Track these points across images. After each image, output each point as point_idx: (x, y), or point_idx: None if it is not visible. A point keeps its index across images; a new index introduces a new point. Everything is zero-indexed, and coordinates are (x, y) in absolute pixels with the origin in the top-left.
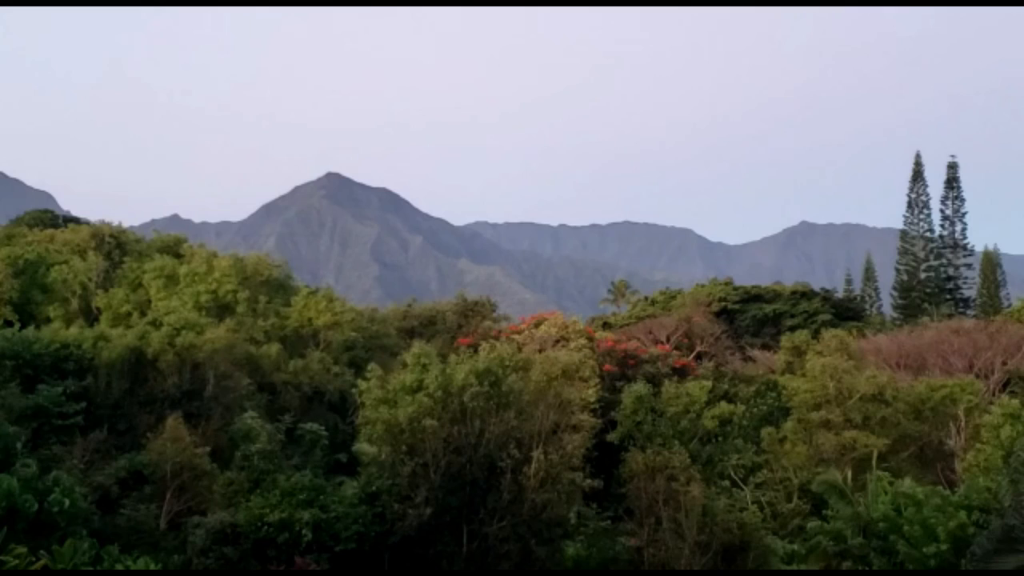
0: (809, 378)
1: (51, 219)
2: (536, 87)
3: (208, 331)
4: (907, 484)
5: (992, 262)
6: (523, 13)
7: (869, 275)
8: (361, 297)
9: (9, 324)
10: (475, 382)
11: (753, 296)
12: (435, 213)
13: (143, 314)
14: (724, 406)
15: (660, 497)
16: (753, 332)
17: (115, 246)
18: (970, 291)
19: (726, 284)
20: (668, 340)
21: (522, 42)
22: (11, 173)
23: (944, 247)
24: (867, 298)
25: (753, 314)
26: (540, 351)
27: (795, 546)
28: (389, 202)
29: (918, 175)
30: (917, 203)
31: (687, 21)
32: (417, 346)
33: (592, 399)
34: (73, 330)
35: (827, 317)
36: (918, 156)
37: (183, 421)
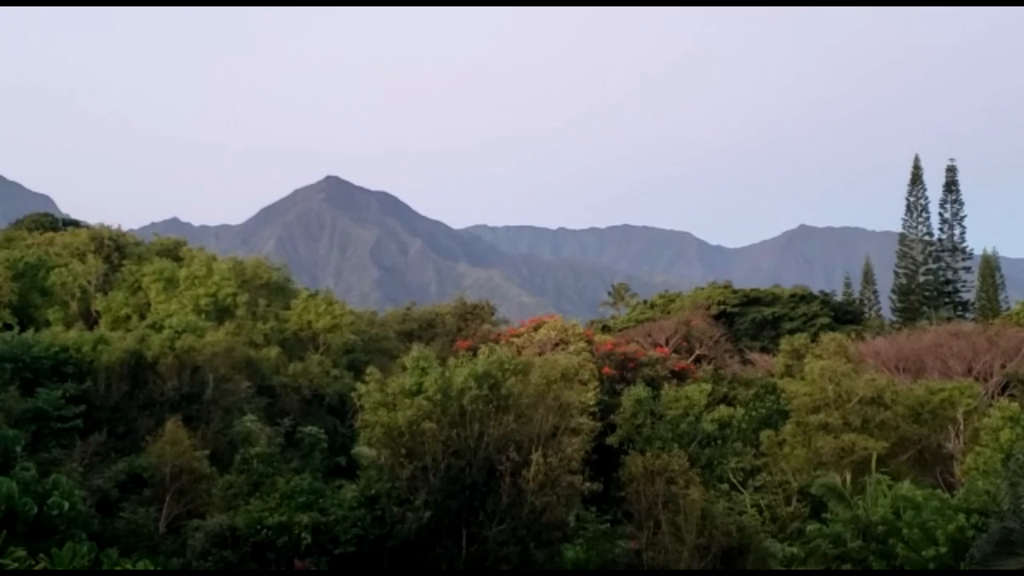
0: (808, 381)
1: (50, 222)
2: (535, 90)
3: (208, 334)
4: (906, 487)
5: (991, 265)
6: (524, 14)
7: (868, 278)
8: (360, 300)
9: (8, 327)
10: (474, 385)
11: (752, 299)
12: (434, 216)
13: (142, 317)
14: (723, 409)
15: (659, 500)
16: (752, 335)
17: (114, 249)
18: (969, 294)
19: (725, 287)
20: (667, 343)
21: (521, 44)
22: (10, 176)
23: (943, 250)
24: (866, 301)
25: (752, 317)
26: (539, 354)
27: (794, 549)
28: (388, 205)
29: (917, 178)
30: (916, 207)
31: (685, 24)
32: (416, 349)
33: (591, 402)
34: (72, 333)
35: (826, 320)
36: (917, 159)
37: (182, 424)
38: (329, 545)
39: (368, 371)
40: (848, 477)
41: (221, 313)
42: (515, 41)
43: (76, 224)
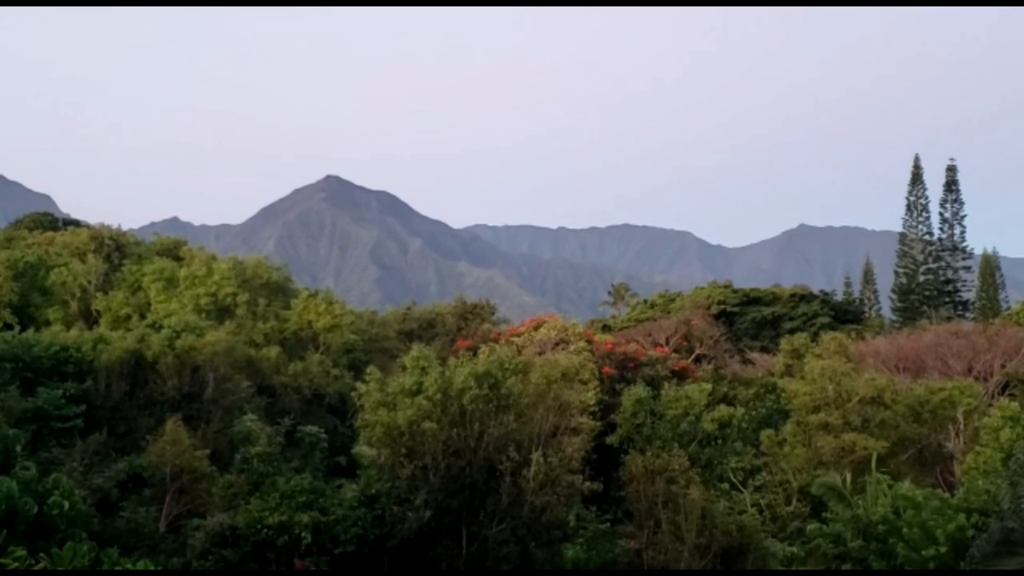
0: (808, 381)
1: (51, 222)
2: (534, 89)
3: (208, 334)
4: (906, 487)
5: (991, 265)
6: (526, 16)
7: (868, 278)
8: (360, 300)
9: (9, 327)
10: (474, 385)
11: (752, 299)
12: (434, 216)
13: (143, 317)
14: (723, 409)
15: (659, 500)
16: (752, 335)
17: (114, 249)
18: (969, 294)
19: (725, 287)
20: (667, 343)
21: (520, 43)
22: (11, 176)
23: (943, 250)
24: (866, 301)
25: (752, 317)
26: (539, 354)
27: (794, 549)
28: (388, 205)
29: (917, 178)
30: (916, 206)
31: (686, 27)
32: (416, 349)
33: (591, 402)
34: (73, 333)
35: (826, 320)
36: (917, 159)
37: (183, 424)
38: (329, 545)
39: (368, 371)
40: (848, 477)
41: (221, 313)
42: (517, 43)
43: (76, 224)
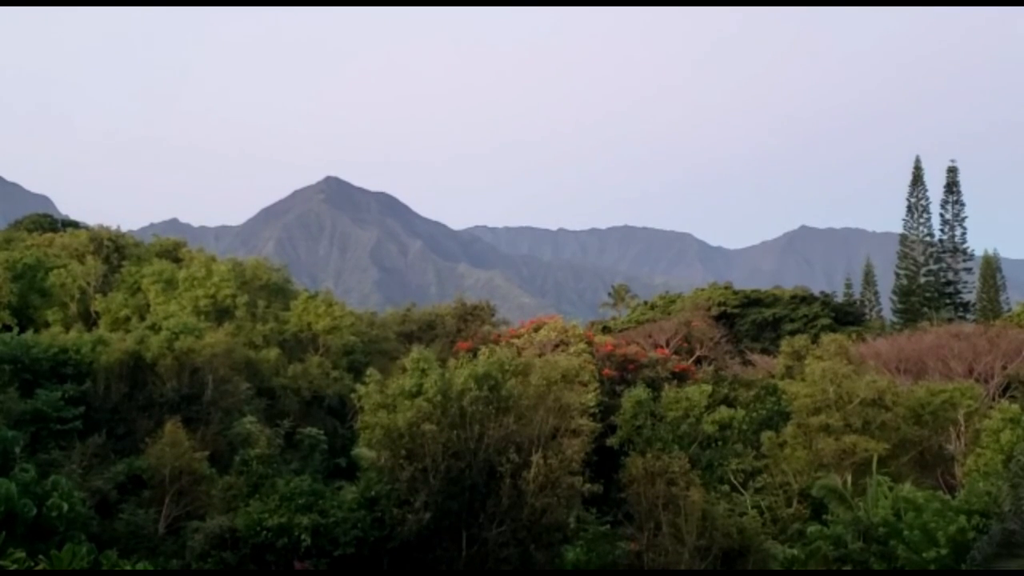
0: (809, 382)
1: (50, 223)
2: (534, 90)
3: (207, 335)
4: (907, 489)
5: (992, 266)
6: (524, 16)
7: (869, 279)
8: (360, 301)
9: (8, 328)
10: (474, 386)
11: (753, 300)
12: (434, 217)
13: (142, 318)
14: (724, 410)
15: (660, 501)
16: (753, 336)
17: (114, 250)
18: (970, 295)
19: (726, 288)
20: (668, 344)
21: (519, 43)
22: (9, 177)
23: (944, 251)
24: (867, 302)
25: (753, 318)
26: (539, 355)
27: (795, 551)
28: (388, 206)
29: (918, 179)
30: (917, 207)
31: (686, 29)
32: (416, 350)
33: (591, 403)
34: (72, 334)
35: (827, 321)
36: (918, 160)
37: (182, 425)
38: (329, 547)
39: (368, 372)
40: (849, 479)
41: (220, 314)
42: (517, 46)
43: (75, 225)
